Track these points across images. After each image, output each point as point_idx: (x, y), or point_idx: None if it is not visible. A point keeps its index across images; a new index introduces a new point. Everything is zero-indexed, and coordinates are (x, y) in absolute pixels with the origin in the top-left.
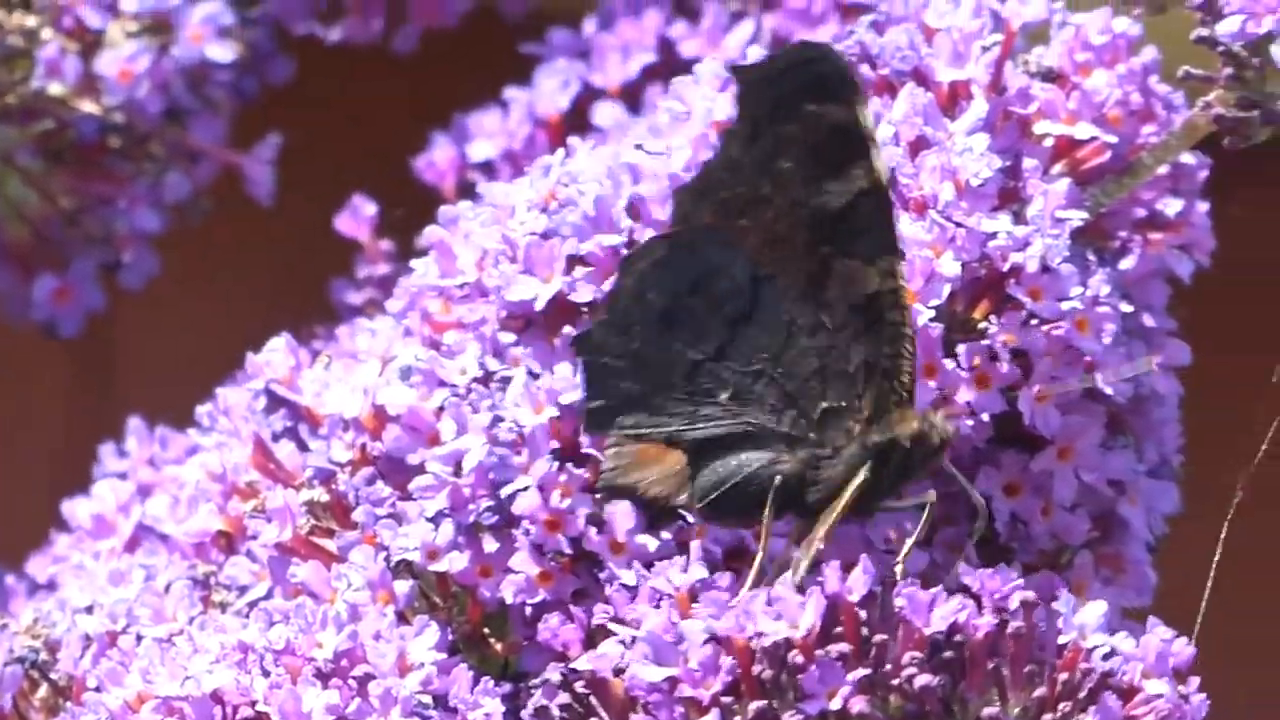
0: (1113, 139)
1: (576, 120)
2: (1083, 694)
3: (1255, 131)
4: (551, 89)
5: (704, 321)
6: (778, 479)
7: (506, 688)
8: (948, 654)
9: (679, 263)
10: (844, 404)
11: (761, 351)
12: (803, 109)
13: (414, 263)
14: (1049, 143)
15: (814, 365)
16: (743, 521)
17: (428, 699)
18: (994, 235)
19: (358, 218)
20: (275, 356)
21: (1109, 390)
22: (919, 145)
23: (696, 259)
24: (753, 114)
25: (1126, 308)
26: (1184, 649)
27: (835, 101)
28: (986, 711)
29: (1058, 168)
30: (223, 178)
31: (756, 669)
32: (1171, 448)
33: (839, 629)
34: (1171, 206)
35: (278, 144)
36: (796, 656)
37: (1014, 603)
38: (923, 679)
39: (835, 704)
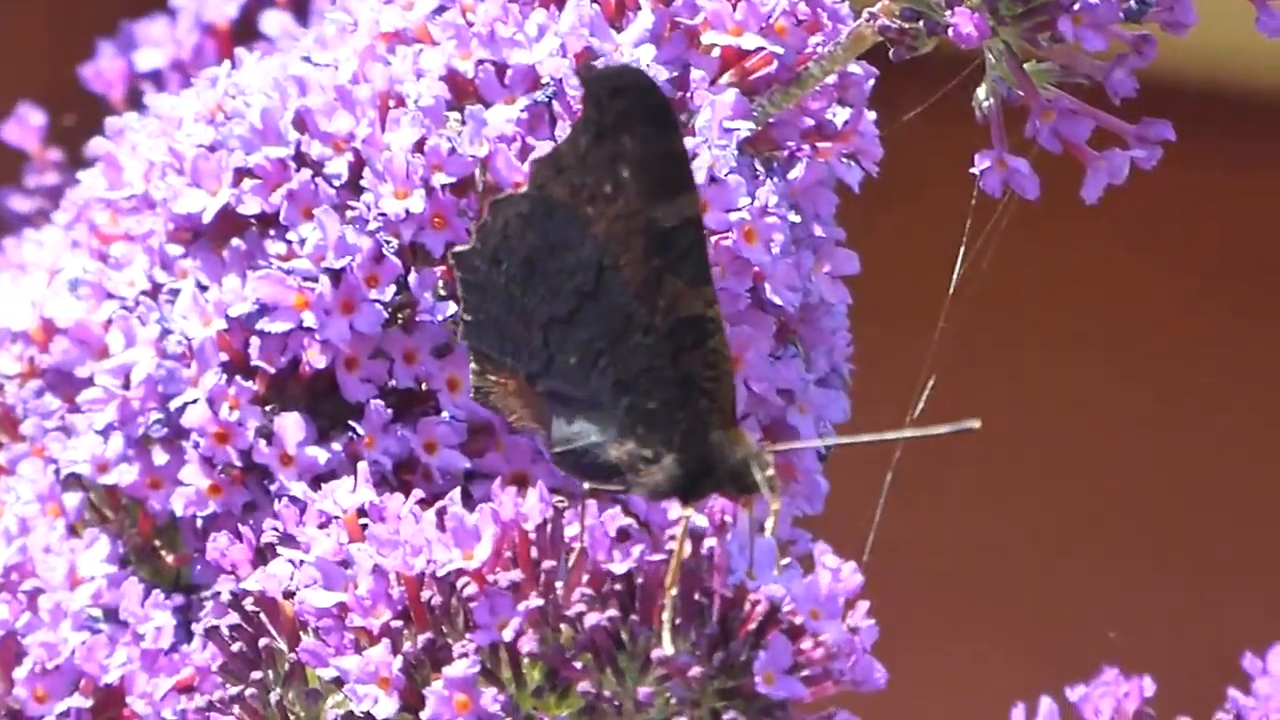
0: (780, 49)
1: (246, 29)
2: (752, 629)
3: (920, 42)
4: None
5: (557, 284)
6: (606, 460)
7: (179, 600)
8: (618, 586)
9: (539, 223)
10: (667, 412)
11: (602, 333)
12: (638, 129)
13: (81, 174)
14: (716, 53)
15: (644, 364)
16: (584, 479)
17: (98, 612)
18: None
19: (24, 126)
20: None
21: (777, 300)
22: (585, 56)
23: (553, 225)
24: (597, 120)
25: (795, 217)
26: (852, 577)
27: (664, 131)
28: (655, 654)
29: (725, 78)
30: None
31: (426, 595)
32: (841, 357)
33: (510, 555)
34: (839, 116)
35: None
36: (468, 586)
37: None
38: (592, 617)
39: (507, 635)
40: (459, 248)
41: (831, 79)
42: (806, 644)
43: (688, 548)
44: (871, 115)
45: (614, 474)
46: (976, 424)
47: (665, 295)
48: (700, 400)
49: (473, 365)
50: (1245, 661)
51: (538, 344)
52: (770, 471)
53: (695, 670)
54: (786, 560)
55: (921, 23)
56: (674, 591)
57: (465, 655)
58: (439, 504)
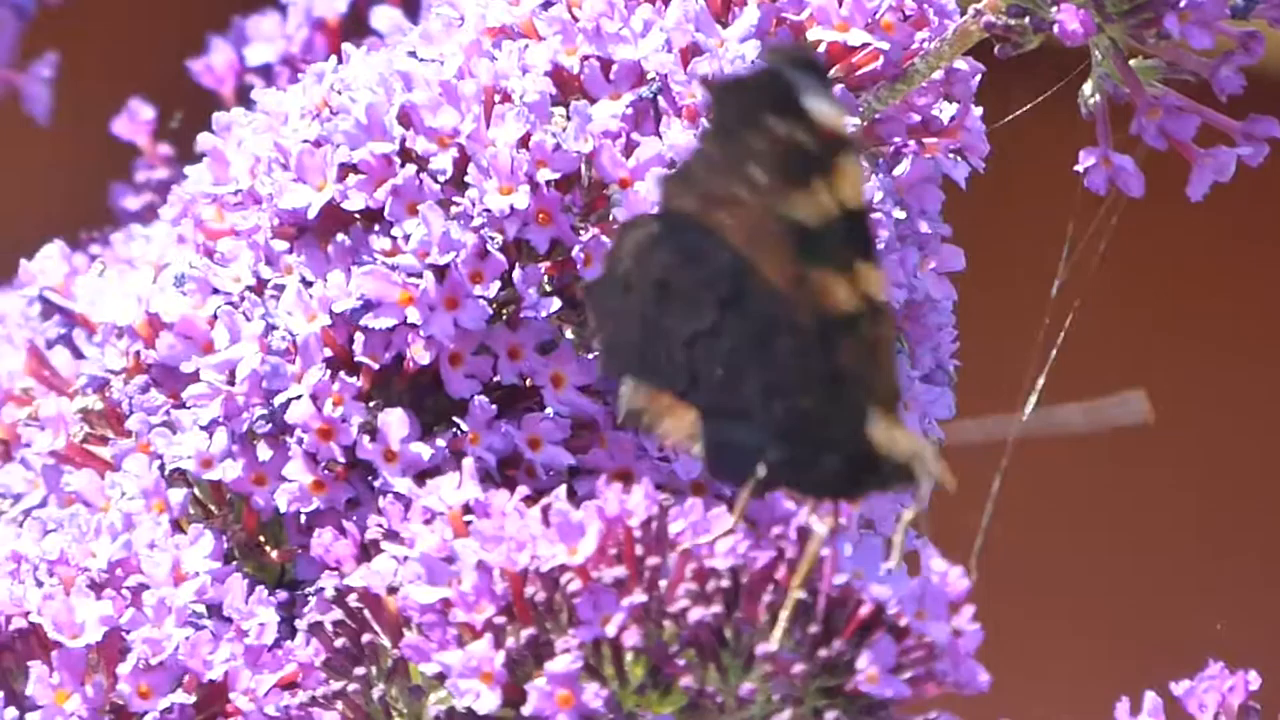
0: (885, 45)
1: (356, 24)
2: (857, 628)
3: (1026, 39)
4: None
5: (697, 298)
6: (763, 467)
7: (282, 596)
8: (724, 583)
9: (671, 240)
10: (822, 410)
11: (746, 340)
12: (764, 124)
13: (188, 170)
14: (822, 49)
15: (795, 364)
16: (741, 482)
17: (202, 608)
18: None
19: (135, 121)
20: (49, 263)
21: None
22: (691, 52)
23: (686, 239)
24: (721, 122)
25: (900, 213)
26: (959, 581)
27: (798, 117)
28: (760, 649)
29: (831, 74)
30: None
31: (529, 591)
32: (946, 353)
33: (614, 551)
34: (945, 112)
35: (55, 62)
36: (572, 582)
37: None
38: (696, 613)
39: (610, 630)
40: (589, 280)
41: (938, 75)
42: (911, 644)
43: (821, 550)
44: (978, 111)
45: (772, 480)
46: (1143, 401)
47: (811, 289)
48: (857, 393)
49: (624, 390)
50: None
51: (680, 362)
52: (937, 464)
53: (799, 667)
54: (895, 562)
55: (1027, 19)
56: (799, 594)
57: (568, 651)
58: (543, 500)
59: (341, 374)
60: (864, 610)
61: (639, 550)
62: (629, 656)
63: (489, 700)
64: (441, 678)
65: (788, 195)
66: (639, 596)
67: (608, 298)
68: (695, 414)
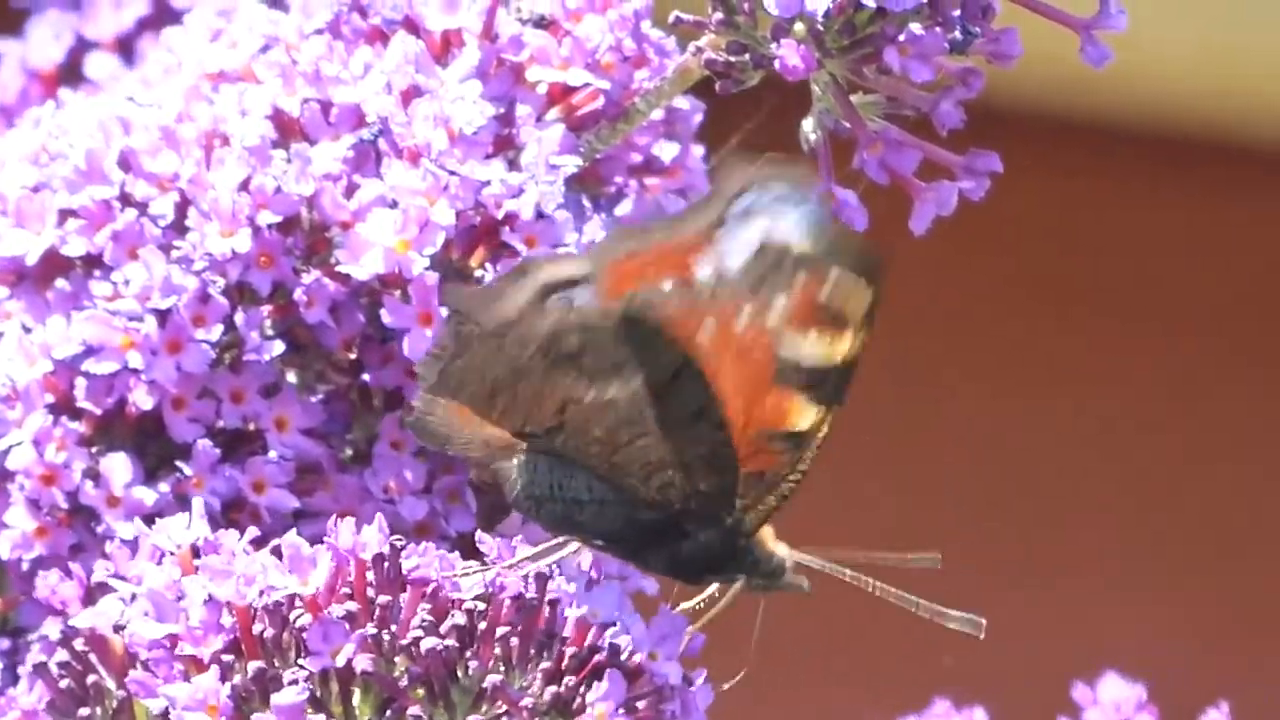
0: (606, 85)
1: (72, 73)
2: (590, 669)
3: (747, 75)
4: (44, 40)
5: (598, 371)
6: (611, 524)
7: (5, 644)
8: (458, 620)
9: (622, 332)
10: (721, 494)
11: (653, 418)
12: (809, 280)
13: None
14: (543, 89)
15: (705, 451)
16: (554, 531)
17: None
18: (488, 183)
19: None
20: None
21: None
22: (411, 94)
23: (638, 334)
24: (768, 278)
25: None
26: (694, 634)
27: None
28: (490, 680)
29: (552, 114)
30: None
31: (258, 628)
32: None
33: (346, 590)
34: (666, 151)
35: None
36: (302, 616)
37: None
38: (429, 642)
39: (340, 661)
40: (480, 319)
41: (658, 114)
42: (642, 685)
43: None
44: (699, 150)
45: (612, 537)
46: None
47: (769, 407)
48: (768, 497)
49: (423, 395)
50: (1075, 691)
51: (547, 414)
52: (794, 582)
53: (527, 702)
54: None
55: (747, 55)
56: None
57: (295, 682)
58: (273, 542)
59: (63, 419)
60: (597, 648)
61: (370, 589)
62: (357, 695)
63: None
64: (168, 714)
65: (794, 337)
66: (370, 629)
67: (488, 341)
68: (523, 447)
